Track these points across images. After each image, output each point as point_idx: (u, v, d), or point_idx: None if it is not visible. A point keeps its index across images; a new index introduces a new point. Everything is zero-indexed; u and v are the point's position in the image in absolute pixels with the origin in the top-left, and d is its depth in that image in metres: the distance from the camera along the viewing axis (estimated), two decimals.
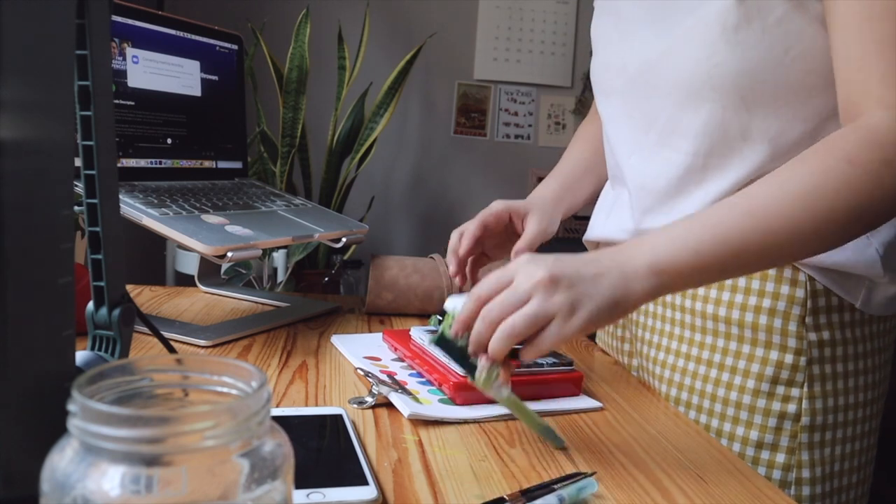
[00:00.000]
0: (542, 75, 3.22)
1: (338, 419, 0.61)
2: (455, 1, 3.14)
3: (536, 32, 3.19)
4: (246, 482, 0.29)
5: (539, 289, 0.56)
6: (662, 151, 0.76)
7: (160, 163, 0.98)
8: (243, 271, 2.29)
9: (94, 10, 0.44)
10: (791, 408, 0.73)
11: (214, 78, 1.07)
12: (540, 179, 0.96)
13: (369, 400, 0.68)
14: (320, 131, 2.85)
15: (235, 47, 1.11)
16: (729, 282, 0.75)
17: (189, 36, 1.02)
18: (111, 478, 0.28)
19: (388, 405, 0.67)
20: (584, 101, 3.23)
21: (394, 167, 3.21)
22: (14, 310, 0.36)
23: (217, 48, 1.07)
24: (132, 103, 0.94)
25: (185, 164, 1.02)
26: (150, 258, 2.66)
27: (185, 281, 2.37)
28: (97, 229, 0.47)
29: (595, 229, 0.92)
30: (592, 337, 1.03)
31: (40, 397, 0.37)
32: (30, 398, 0.37)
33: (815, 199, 0.59)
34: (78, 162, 0.44)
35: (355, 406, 0.67)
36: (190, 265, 2.43)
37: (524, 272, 0.58)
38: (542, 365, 0.72)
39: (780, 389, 0.73)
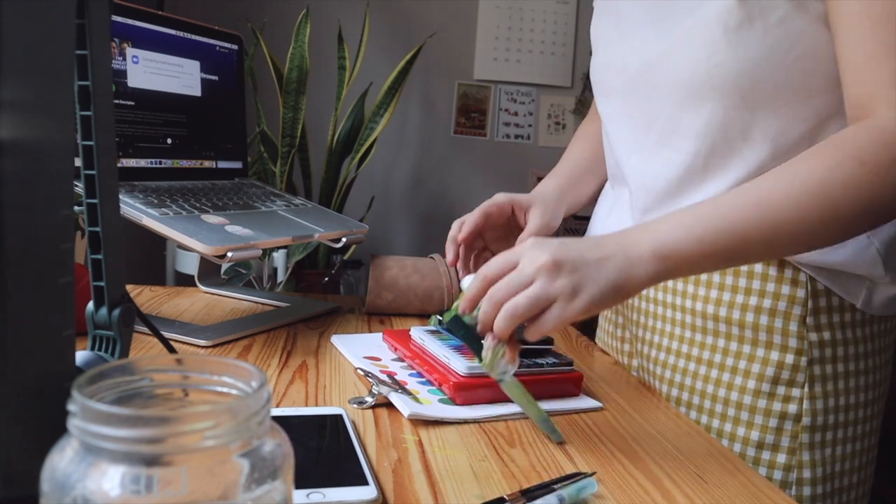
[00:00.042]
0: (542, 75, 3.22)
1: (338, 419, 0.61)
2: (455, 1, 3.14)
3: (536, 32, 3.19)
4: (246, 482, 0.29)
5: (542, 272, 0.58)
6: (663, 151, 0.76)
7: (160, 163, 0.98)
8: (243, 271, 2.29)
9: (94, 10, 0.44)
10: (792, 408, 0.73)
11: (214, 78, 1.07)
12: (540, 179, 0.96)
13: (369, 400, 0.68)
14: (320, 131, 2.85)
15: (235, 47, 1.11)
16: (729, 282, 0.75)
17: (189, 36, 1.02)
18: (111, 478, 0.28)
19: (388, 405, 0.67)
20: (584, 101, 3.23)
21: (394, 167, 3.21)
22: (14, 310, 0.36)
23: (217, 48, 1.07)
24: (132, 103, 0.94)
25: (185, 164, 1.02)
26: (150, 258, 2.66)
27: (185, 281, 2.37)
28: (97, 229, 0.47)
29: (595, 229, 0.92)
30: (592, 337, 1.03)
31: (40, 397, 0.37)
32: (30, 398, 0.37)
33: (823, 194, 0.59)
34: (78, 162, 0.44)
35: (355, 406, 0.67)
36: (190, 265, 2.43)
37: (529, 255, 0.60)
38: (542, 365, 0.72)
39: (781, 390, 0.73)
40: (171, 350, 0.61)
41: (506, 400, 0.70)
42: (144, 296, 1.05)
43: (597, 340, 1.01)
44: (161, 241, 2.28)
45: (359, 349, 0.83)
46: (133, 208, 0.81)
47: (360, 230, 1.01)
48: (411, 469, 0.55)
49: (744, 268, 0.75)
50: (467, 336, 0.65)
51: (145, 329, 0.70)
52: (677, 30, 0.72)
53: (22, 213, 0.36)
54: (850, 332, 0.73)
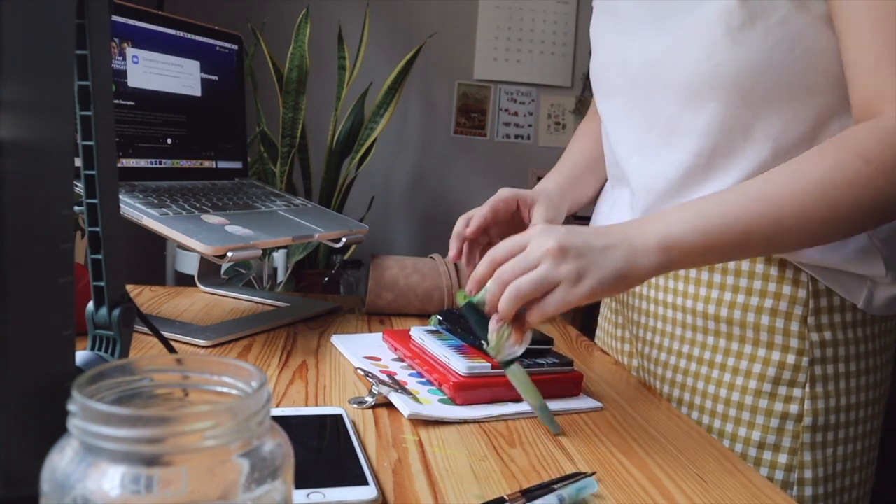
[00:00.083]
0: (542, 75, 3.22)
1: (338, 419, 0.61)
2: (455, 1, 3.14)
3: (536, 32, 3.19)
4: (246, 482, 0.29)
5: (548, 256, 0.60)
6: (664, 151, 0.76)
7: (160, 163, 0.98)
8: (243, 271, 2.29)
9: (94, 10, 0.44)
10: (793, 408, 0.73)
11: (214, 78, 1.07)
12: (540, 179, 0.96)
13: (369, 400, 0.68)
14: (320, 131, 2.85)
15: (235, 47, 1.11)
16: (730, 282, 0.76)
17: (189, 36, 1.02)
18: (111, 478, 0.28)
19: (388, 405, 0.67)
20: (584, 101, 3.23)
21: (394, 167, 3.21)
22: (14, 310, 0.36)
23: (217, 48, 1.07)
24: (132, 103, 0.94)
25: (185, 164, 1.02)
26: (150, 258, 2.66)
27: (185, 281, 2.37)
28: (97, 229, 0.47)
29: None
30: (592, 337, 1.03)
31: (40, 397, 0.37)
32: (30, 398, 0.37)
33: (828, 191, 0.60)
34: (78, 162, 0.44)
35: (355, 406, 0.67)
36: (190, 265, 2.43)
37: (537, 239, 0.61)
38: (542, 365, 0.72)
39: (782, 390, 0.73)
40: (171, 350, 0.61)
41: (506, 400, 0.70)
42: (144, 296, 1.05)
43: (596, 340, 1.01)
44: (161, 241, 2.28)
45: (359, 349, 0.83)
46: (133, 208, 0.81)
47: (360, 230, 1.01)
48: (411, 469, 0.55)
49: (745, 268, 0.75)
50: (479, 322, 0.66)
51: (145, 329, 0.70)
52: (678, 29, 0.72)
53: (22, 213, 0.36)
54: (851, 332, 0.73)
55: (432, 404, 0.68)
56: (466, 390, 0.68)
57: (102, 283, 0.47)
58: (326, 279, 2.55)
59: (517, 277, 0.61)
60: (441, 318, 0.82)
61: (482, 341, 0.65)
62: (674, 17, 0.73)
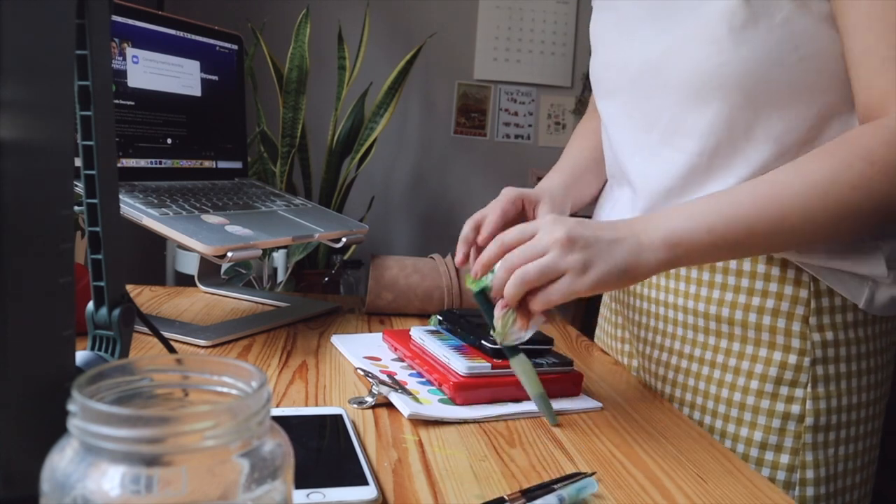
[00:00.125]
0: (542, 75, 3.22)
1: (338, 419, 0.61)
2: (455, 1, 3.14)
3: (536, 32, 3.19)
4: (246, 482, 0.29)
5: (556, 245, 0.61)
6: (665, 151, 0.76)
7: (160, 163, 0.98)
8: (243, 271, 2.29)
9: (94, 10, 0.44)
10: (795, 408, 0.73)
11: (214, 78, 1.07)
12: (540, 179, 0.96)
13: (369, 400, 0.68)
14: (320, 131, 2.85)
15: (235, 47, 1.11)
16: (732, 282, 0.75)
17: (189, 36, 1.02)
18: (111, 478, 0.28)
19: (388, 405, 0.67)
20: (584, 101, 3.23)
21: (394, 167, 3.21)
22: (14, 310, 0.36)
23: (217, 48, 1.07)
24: (132, 103, 0.94)
25: (185, 164, 1.02)
26: (150, 258, 2.66)
27: (185, 281, 2.37)
28: (97, 229, 0.47)
29: None
30: (592, 337, 1.03)
31: (40, 397, 0.37)
32: (30, 398, 0.37)
33: (832, 192, 0.61)
34: (78, 162, 0.44)
35: (355, 406, 0.67)
36: (190, 265, 2.43)
37: (546, 228, 0.62)
38: (542, 365, 0.72)
39: (784, 390, 0.73)
40: (171, 350, 0.61)
41: (506, 400, 0.70)
42: (144, 296, 1.05)
43: (596, 340, 1.01)
44: (161, 241, 2.28)
45: (359, 349, 0.83)
46: (133, 208, 0.81)
47: (360, 230, 1.01)
48: (411, 469, 0.55)
49: (746, 268, 0.75)
50: (488, 310, 0.67)
51: (145, 329, 0.70)
52: (680, 29, 0.71)
53: (22, 213, 0.36)
54: (852, 333, 0.73)
55: (432, 404, 0.68)
56: (466, 390, 0.68)
57: (102, 283, 0.47)
58: (326, 279, 2.55)
59: (524, 264, 0.61)
60: (441, 318, 0.82)
61: (490, 329, 0.67)
62: (674, 16, 0.72)
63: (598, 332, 1.02)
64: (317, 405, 0.67)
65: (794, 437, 0.73)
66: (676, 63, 0.72)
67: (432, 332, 0.81)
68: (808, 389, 0.73)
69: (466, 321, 0.78)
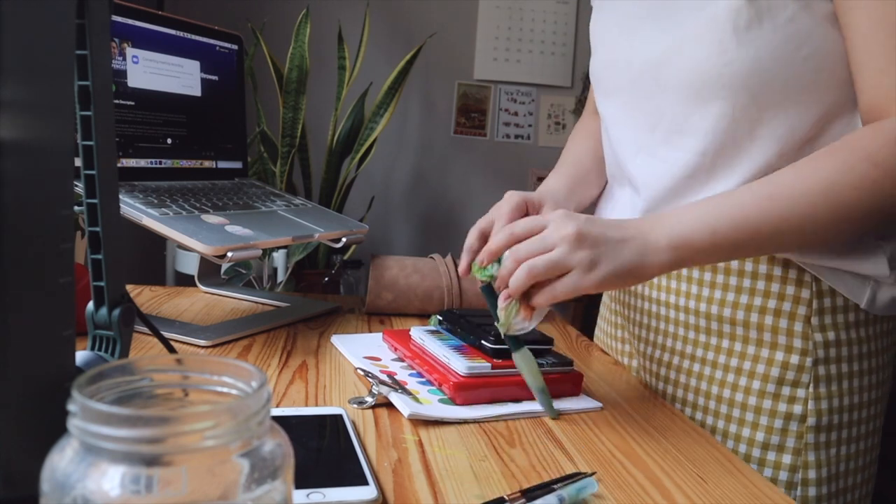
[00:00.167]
0: (542, 75, 3.22)
1: (338, 419, 0.61)
2: (455, 1, 3.14)
3: (536, 32, 3.19)
4: (246, 482, 0.29)
5: (565, 241, 0.61)
6: (668, 151, 0.76)
7: (160, 163, 0.98)
8: (243, 271, 2.29)
9: (94, 10, 0.44)
10: (797, 409, 0.73)
11: (214, 78, 1.07)
12: (540, 179, 0.95)
13: (369, 400, 0.67)
14: (320, 131, 2.85)
15: (235, 47, 1.11)
16: (734, 282, 0.75)
17: (189, 36, 1.02)
18: (111, 478, 0.28)
19: (388, 405, 0.67)
20: (583, 101, 3.22)
21: (394, 167, 3.21)
22: (14, 310, 0.36)
23: (217, 48, 1.07)
24: (132, 103, 0.94)
25: (185, 164, 1.02)
26: (150, 258, 2.66)
27: (185, 281, 2.37)
28: (97, 229, 0.47)
29: None
30: (592, 337, 1.03)
31: (40, 397, 0.37)
32: (30, 398, 0.37)
33: (835, 193, 0.62)
34: (78, 162, 0.44)
35: (355, 406, 0.67)
36: (190, 265, 2.43)
37: (556, 223, 0.63)
38: (542, 365, 0.72)
39: (786, 390, 0.73)
40: (171, 350, 0.61)
41: (506, 400, 0.70)
42: (144, 296, 1.05)
43: (595, 340, 1.01)
44: (161, 241, 2.28)
45: (359, 349, 0.83)
46: (133, 208, 0.81)
47: (360, 230, 1.01)
48: (411, 469, 0.55)
49: (748, 268, 0.75)
50: (494, 304, 0.68)
51: (145, 329, 0.70)
52: (683, 28, 0.71)
53: (22, 213, 0.36)
54: (854, 333, 0.73)
55: (432, 404, 0.68)
56: (466, 390, 0.68)
57: (102, 283, 0.47)
58: (326, 279, 2.55)
59: (533, 256, 0.62)
60: (441, 318, 0.82)
61: (495, 320, 0.68)
62: (675, 16, 0.72)
63: (597, 331, 1.02)
64: (317, 405, 0.67)
65: (796, 438, 0.73)
66: (679, 62, 0.72)
67: (432, 332, 0.81)
68: (810, 389, 0.73)
69: (466, 321, 0.78)
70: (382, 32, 3.05)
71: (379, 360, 0.80)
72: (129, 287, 1.04)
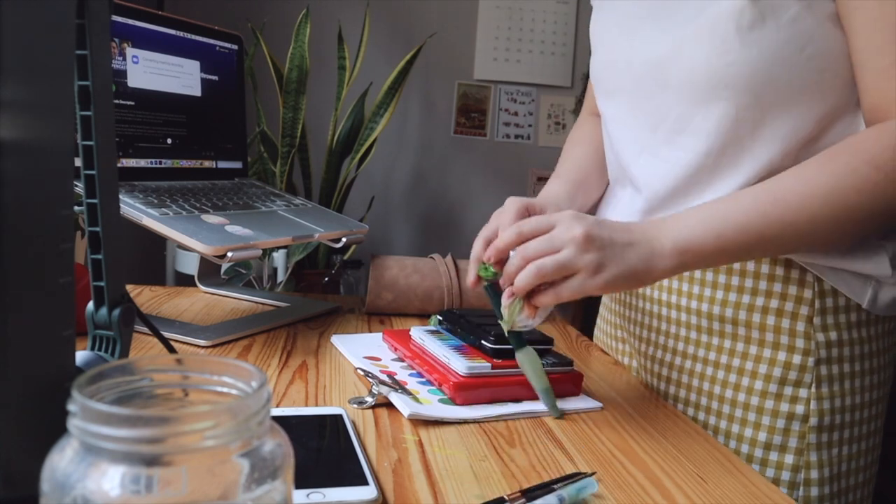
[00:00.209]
0: (542, 75, 3.22)
1: (338, 419, 0.61)
2: (455, 1, 3.14)
3: (536, 32, 3.19)
4: (246, 482, 0.29)
5: (574, 243, 0.62)
6: (671, 151, 0.76)
7: (160, 163, 0.98)
8: (243, 271, 2.29)
9: (94, 10, 0.44)
10: (799, 409, 0.73)
11: (214, 78, 1.07)
12: (540, 179, 0.95)
13: (369, 400, 0.67)
14: (320, 131, 2.85)
15: (235, 47, 1.11)
16: (735, 282, 0.75)
17: (189, 36, 1.02)
18: (111, 478, 0.28)
19: (388, 405, 0.67)
20: (583, 102, 3.23)
21: (394, 167, 3.21)
22: (14, 310, 0.36)
23: (217, 48, 1.07)
24: (132, 103, 0.94)
25: (185, 164, 1.02)
26: (150, 258, 2.66)
27: (185, 281, 2.37)
28: (97, 229, 0.47)
29: None
30: (592, 337, 1.03)
31: (40, 397, 0.37)
32: (30, 398, 0.37)
33: (837, 197, 0.62)
34: (78, 162, 0.44)
35: (355, 406, 0.67)
36: (190, 265, 2.43)
37: (565, 224, 0.63)
38: (542, 365, 0.72)
39: (788, 390, 0.73)
40: (171, 350, 0.61)
41: (506, 400, 0.70)
42: (144, 296, 1.05)
43: (594, 340, 1.01)
44: (161, 241, 2.28)
45: (359, 349, 0.83)
46: (133, 208, 0.81)
47: (360, 230, 1.01)
48: (411, 469, 0.55)
49: (750, 268, 0.75)
50: (497, 303, 0.68)
51: (145, 329, 0.70)
52: (684, 28, 0.71)
53: (22, 213, 0.36)
54: (855, 332, 0.73)
55: (432, 404, 0.68)
56: (466, 390, 0.68)
57: (102, 283, 0.47)
58: (326, 279, 2.55)
59: (541, 256, 0.62)
60: (441, 318, 0.82)
61: (498, 318, 0.68)
62: (675, 16, 0.72)
63: (596, 331, 1.02)
64: (317, 405, 0.67)
65: (798, 438, 0.73)
66: (682, 62, 0.72)
67: (432, 332, 0.81)
68: (813, 390, 0.73)
69: (466, 321, 0.78)
70: (382, 32, 3.05)
71: (379, 360, 0.80)
72: (129, 287, 1.04)
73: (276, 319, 0.94)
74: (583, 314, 2.66)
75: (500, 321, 0.67)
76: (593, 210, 0.96)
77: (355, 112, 2.70)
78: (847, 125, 0.69)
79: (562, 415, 0.68)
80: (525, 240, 0.65)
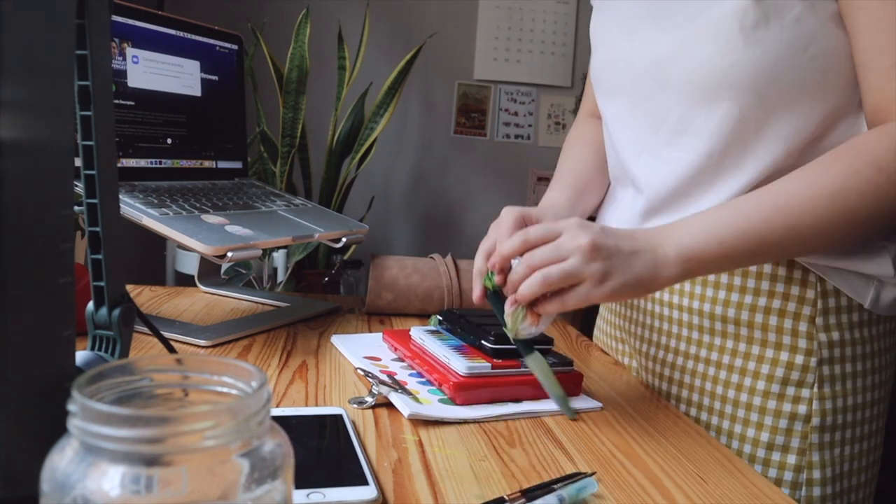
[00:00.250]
0: (542, 75, 3.22)
1: (338, 419, 0.61)
2: (455, 1, 3.14)
3: (536, 32, 3.19)
4: (246, 482, 0.29)
5: (580, 252, 0.61)
6: (672, 152, 0.76)
7: (160, 163, 0.98)
8: (243, 271, 2.29)
9: (94, 10, 0.44)
10: (801, 409, 0.73)
11: (214, 78, 1.07)
12: (540, 179, 0.95)
13: (369, 400, 0.67)
14: (320, 131, 2.85)
15: (235, 47, 1.11)
16: (738, 283, 0.75)
17: (189, 36, 1.02)
18: (111, 478, 0.28)
19: (388, 405, 0.67)
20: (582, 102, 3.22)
21: (394, 167, 3.21)
22: (14, 310, 0.36)
23: (217, 48, 1.07)
24: (132, 103, 0.94)
25: (185, 164, 1.02)
26: (150, 258, 2.66)
27: (185, 281, 2.37)
28: (97, 229, 0.47)
29: None
30: (592, 337, 1.03)
31: (40, 397, 0.37)
32: (30, 398, 0.37)
33: (840, 200, 0.62)
34: (78, 162, 0.44)
35: (355, 406, 0.67)
36: (190, 265, 2.43)
37: (571, 232, 0.63)
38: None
39: (791, 390, 0.73)
40: (171, 350, 0.61)
41: (506, 400, 0.70)
42: (144, 296, 1.05)
43: (594, 340, 1.01)
44: (161, 241, 2.28)
45: (359, 349, 0.83)
46: (133, 208, 0.81)
47: (360, 230, 1.01)
48: (411, 469, 0.55)
49: (752, 268, 0.75)
50: (501, 311, 0.68)
51: (145, 329, 0.70)
52: (685, 28, 0.71)
53: (22, 213, 0.36)
54: (858, 332, 0.73)
55: (432, 404, 0.68)
56: (466, 390, 0.68)
57: (102, 283, 0.47)
58: (326, 279, 2.55)
59: (547, 265, 0.62)
60: (441, 318, 0.82)
61: (503, 326, 0.68)
62: (676, 16, 0.72)
63: (596, 331, 1.02)
64: (317, 405, 0.67)
65: (800, 438, 0.73)
66: (684, 62, 0.72)
67: (432, 332, 0.81)
68: (815, 390, 0.73)
69: (466, 321, 0.78)
70: (382, 32, 3.05)
71: (379, 360, 0.80)
72: (129, 287, 1.04)
73: (276, 319, 0.94)
74: (583, 314, 2.66)
75: (504, 329, 0.67)
76: (594, 210, 0.96)
77: (355, 112, 2.70)
78: (850, 125, 0.69)
79: (576, 415, 0.68)
80: (530, 247, 0.64)
